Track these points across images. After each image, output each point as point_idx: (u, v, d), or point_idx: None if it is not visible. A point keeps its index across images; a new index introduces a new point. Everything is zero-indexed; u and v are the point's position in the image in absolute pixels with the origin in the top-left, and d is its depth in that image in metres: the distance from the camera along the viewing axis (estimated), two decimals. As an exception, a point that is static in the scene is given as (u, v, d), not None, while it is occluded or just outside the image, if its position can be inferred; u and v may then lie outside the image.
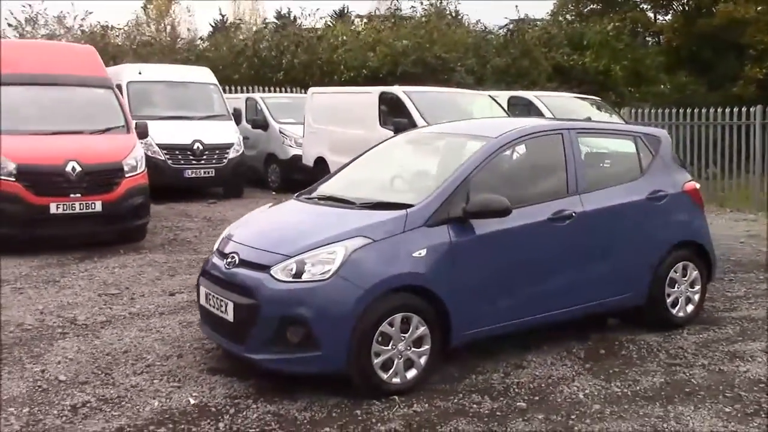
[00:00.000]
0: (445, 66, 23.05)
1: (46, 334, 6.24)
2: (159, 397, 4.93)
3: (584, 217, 5.71)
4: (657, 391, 5.06)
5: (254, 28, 24.65)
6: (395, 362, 4.91)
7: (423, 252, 4.96)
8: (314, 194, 5.95)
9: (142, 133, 10.96)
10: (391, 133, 11.71)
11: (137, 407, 4.77)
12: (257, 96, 17.05)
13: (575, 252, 5.70)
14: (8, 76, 10.13)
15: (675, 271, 6.28)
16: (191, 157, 14.01)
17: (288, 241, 5.11)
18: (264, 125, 16.28)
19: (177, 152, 13.90)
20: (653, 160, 6.36)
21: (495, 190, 5.39)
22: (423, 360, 5.02)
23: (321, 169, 14.09)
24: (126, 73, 15.01)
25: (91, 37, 21.41)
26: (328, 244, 4.92)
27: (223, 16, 32.79)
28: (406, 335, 4.93)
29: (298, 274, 4.82)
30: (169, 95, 14.96)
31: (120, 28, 22.93)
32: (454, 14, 29.94)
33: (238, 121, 15.59)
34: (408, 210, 5.12)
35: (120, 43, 22.07)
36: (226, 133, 14.51)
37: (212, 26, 33.57)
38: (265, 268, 4.94)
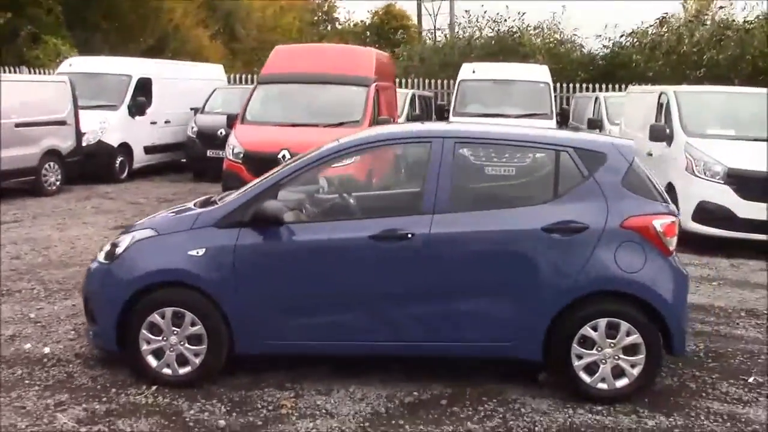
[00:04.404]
0: None
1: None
2: (39, 343, 5.88)
3: (426, 240, 4.85)
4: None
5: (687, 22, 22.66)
6: (166, 354, 5.06)
7: (201, 251, 4.97)
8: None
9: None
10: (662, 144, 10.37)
11: (15, 347, 5.80)
12: (601, 95, 16.20)
13: (409, 279, 4.89)
14: (278, 75, 11.98)
15: (593, 329, 4.83)
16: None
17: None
18: (599, 125, 15.43)
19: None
20: (582, 182, 4.92)
21: (317, 198, 5.04)
22: (199, 359, 5.04)
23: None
24: (462, 72, 15.86)
25: (503, 37, 22.56)
26: (128, 232, 5.31)
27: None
28: (179, 330, 5.02)
29: (108, 256, 5.30)
30: (495, 93, 15.27)
31: (535, 27, 23.50)
32: None
33: (564, 121, 15.14)
34: (203, 209, 5.15)
35: (534, 42, 22.67)
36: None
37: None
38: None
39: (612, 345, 4.84)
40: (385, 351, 5.10)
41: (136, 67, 16.48)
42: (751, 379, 5.36)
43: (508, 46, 22.45)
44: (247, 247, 4.96)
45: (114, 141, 15.20)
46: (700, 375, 5.43)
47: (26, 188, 13.21)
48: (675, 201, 9.96)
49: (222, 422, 4.59)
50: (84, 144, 14.50)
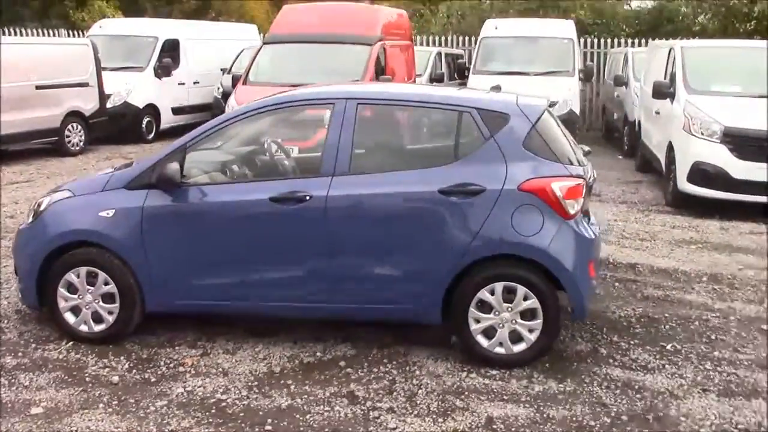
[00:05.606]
0: None
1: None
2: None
3: (324, 202, 4.84)
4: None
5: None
6: (82, 311, 5.23)
7: (111, 213, 5.09)
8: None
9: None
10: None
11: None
12: (630, 51, 15.61)
13: (309, 241, 4.90)
14: (281, 36, 12.02)
15: (490, 293, 4.76)
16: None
17: None
18: (624, 82, 14.90)
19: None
20: (483, 143, 4.81)
21: (222, 162, 5.12)
22: (112, 317, 5.19)
23: (638, 135, 12.64)
24: (484, 29, 15.50)
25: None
26: (49, 194, 5.47)
27: None
28: (94, 289, 5.18)
29: (35, 216, 5.48)
30: (517, 50, 14.85)
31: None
32: None
33: (588, 78, 14.72)
34: (116, 171, 5.26)
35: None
36: (549, 91, 13.92)
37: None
38: (36, 209, 5.72)
39: (509, 309, 4.77)
40: (288, 312, 5.15)
41: (163, 28, 16.72)
42: (669, 346, 5.21)
43: (547, 1, 21.77)
44: (154, 208, 5.05)
45: (140, 102, 15.52)
46: (618, 341, 5.30)
47: (50, 148, 13.66)
48: (673, 161, 9.65)
49: (116, 378, 4.74)
50: (110, 105, 14.88)
